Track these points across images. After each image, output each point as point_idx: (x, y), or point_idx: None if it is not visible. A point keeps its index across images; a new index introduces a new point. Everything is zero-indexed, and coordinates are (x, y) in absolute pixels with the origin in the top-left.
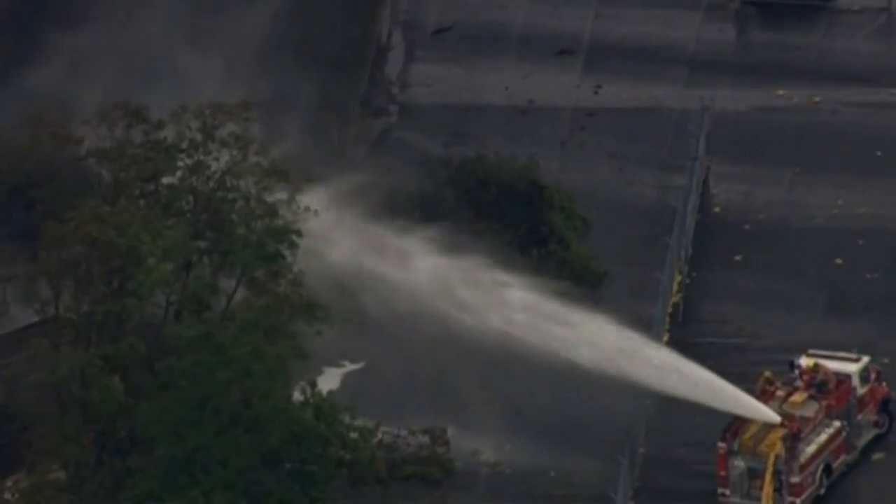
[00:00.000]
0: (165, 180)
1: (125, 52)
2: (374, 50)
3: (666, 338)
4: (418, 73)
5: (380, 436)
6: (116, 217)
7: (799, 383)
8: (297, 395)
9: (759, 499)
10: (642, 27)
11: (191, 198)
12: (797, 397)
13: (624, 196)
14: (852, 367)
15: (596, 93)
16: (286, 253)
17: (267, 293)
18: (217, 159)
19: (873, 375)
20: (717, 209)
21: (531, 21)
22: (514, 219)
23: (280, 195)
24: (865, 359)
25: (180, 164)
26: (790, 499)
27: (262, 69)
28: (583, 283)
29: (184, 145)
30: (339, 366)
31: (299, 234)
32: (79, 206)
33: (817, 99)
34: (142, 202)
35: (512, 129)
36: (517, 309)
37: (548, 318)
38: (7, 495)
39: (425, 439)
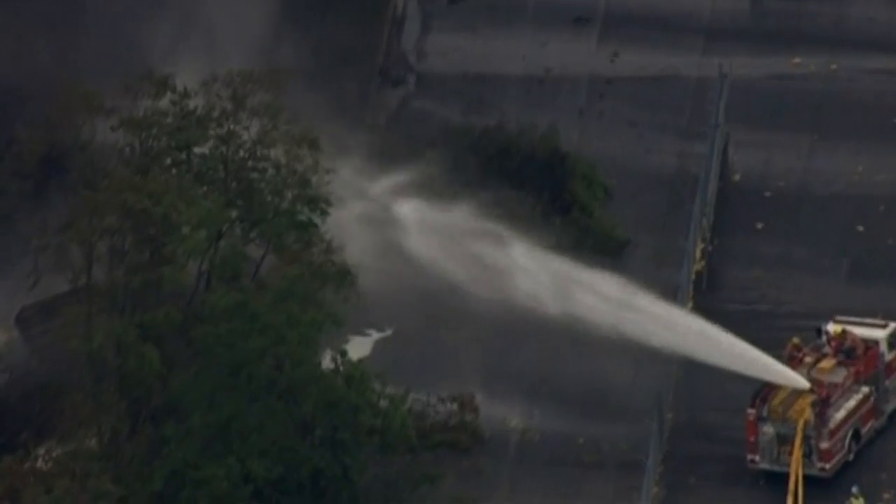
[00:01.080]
0: (197, 150)
1: (145, 18)
2: (390, 20)
3: (690, 304)
4: (435, 42)
5: (409, 403)
6: (151, 185)
7: (827, 349)
8: (327, 363)
9: (788, 464)
10: None
11: (222, 167)
12: (826, 363)
13: (644, 164)
14: (880, 334)
15: (613, 61)
16: (317, 221)
17: (299, 261)
18: (247, 128)
19: None
20: (736, 177)
21: None
22: (537, 187)
23: (310, 163)
24: (893, 324)
25: (211, 133)
26: (819, 464)
27: (278, 40)
28: (606, 250)
29: (215, 114)
30: (365, 334)
31: (329, 202)
32: (112, 175)
33: (834, 66)
34: (174, 171)
35: (530, 98)
36: (544, 276)
37: (575, 285)
38: (40, 463)
39: (454, 407)
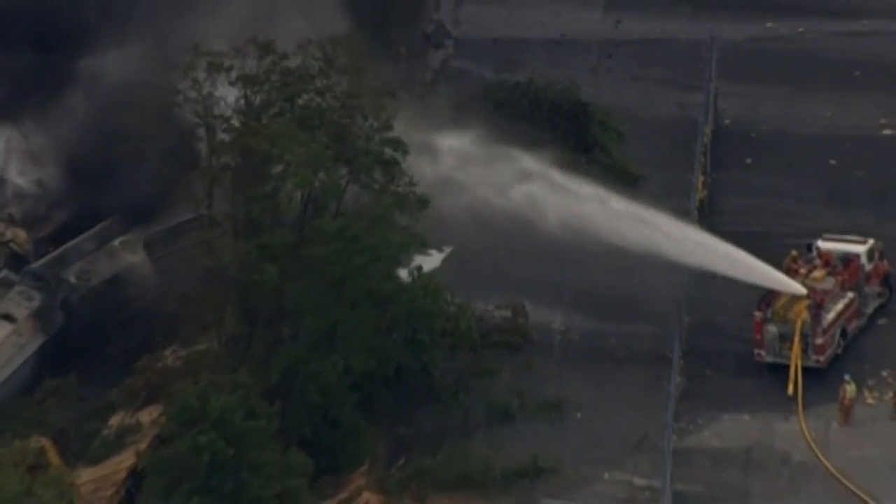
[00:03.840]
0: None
1: None
2: None
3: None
4: (468, 13)
5: (472, 310)
6: (267, 130)
7: (817, 262)
8: (405, 276)
9: (788, 357)
10: None
11: (318, 116)
12: (817, 273)
13: (649, 112)
14: (860, 248)
15: (616, 27)
16: (399, 159)
17: (386, 192)
18: (338, 83)
19: (877, 254)
20: (727, 121)
21: None
22: (563, 131)
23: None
24: (871, 241)
25: (309, 87)
26: (815, 357)
27: (339, 13)
28: (623, 183)
29: (312, 72)
30: (427, 254)
31: (405, 146)
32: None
33: (801, 29)
34: (280, 119)
35: (549, 58)
36: (578, 203)
37: (604, 209)
38: (170, 362)
39: (508, 313)
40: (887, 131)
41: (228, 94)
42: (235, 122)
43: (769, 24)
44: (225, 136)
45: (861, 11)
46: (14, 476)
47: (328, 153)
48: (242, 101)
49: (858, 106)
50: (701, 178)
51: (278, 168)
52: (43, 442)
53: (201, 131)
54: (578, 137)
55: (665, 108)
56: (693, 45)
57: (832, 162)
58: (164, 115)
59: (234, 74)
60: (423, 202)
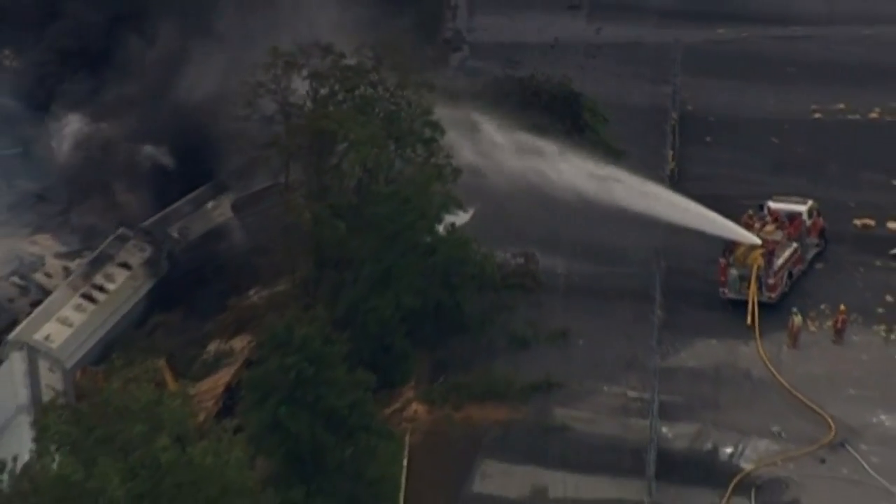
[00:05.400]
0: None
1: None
2: (447, 8)
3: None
4: (479, 22)
5: (494, 258)
6: (336, 115)
7: (769, 219)
8: (442, 231)
9: (747, 295)
10: None
11: (372, 104)
12: (769, 228)
13: (628, 101)
14: (802, 208)
15: (598, 33)
16: (437, 137)
17: (427, 164)
18: (388, 78)
19: (815, 213)
20: (690, 108)
21: None
22: (560, 116)
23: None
24: (810, 202)
25: (365, 81)
26: (768, 294)
27: (379, 25)
28: (609, 157)
29: (367, 68)
30: (456, 213)
31: (442, 128)
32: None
33: (745, 34)
34: (343, 107)
35: (545, 58)
36: (576, 172)
37: (597, 177)
38: (254, 301)
39: (521, 260)
40: (817, 115)
41: (300, 87)
42: (307, 109)
43: (721, 30)
44: (299, 120)
45: (792, 20)
46: (146, 389)
47: (381, 133)
48: (312, 93)
49: (793, 95)
50: (671, 153)
51: (343, 145)
52: (160, 364)
53: (279, 116)
54: (572, 121)
55: (640, 97)
56: (660, 47)
57: (774, 140)
58: (249, 103)
59: (305, 71)
60: (457, 172)
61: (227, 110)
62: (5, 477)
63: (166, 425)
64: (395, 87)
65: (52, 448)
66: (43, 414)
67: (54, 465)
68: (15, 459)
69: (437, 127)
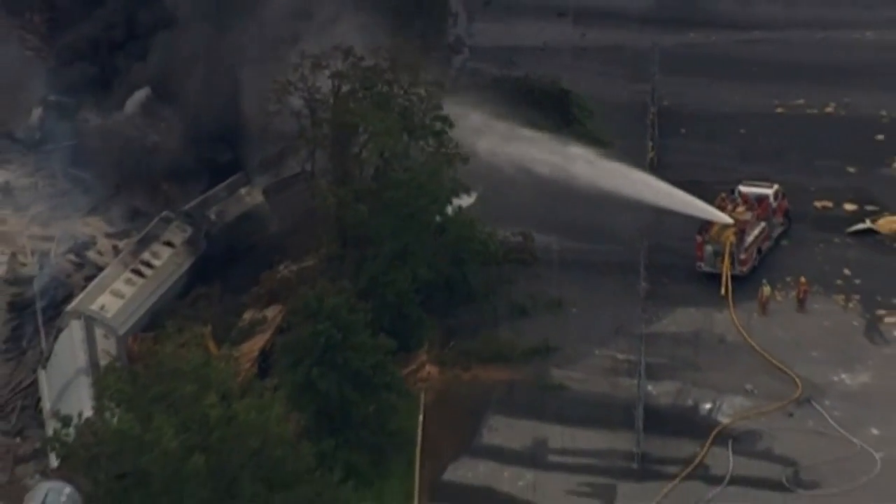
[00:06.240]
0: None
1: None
2: (449, 16)
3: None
4: (477, 28)
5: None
6: (357, 110)
7: (739, 201)
8: (451, 212)
9: (721, 268)
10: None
11: (389, 100)
12: (740, 209)
13: (611, 97)
14: (769, 191)
15: (583, 37)
16: (447, 129)
17: (438, 153)
18: (401, 77)
19: (780, 196)
20: (666, 103)
21: None
22: (551, 111)
23: (440, 96)
24: (776, 186)
25: (381, 79)
26: (740, 268)
27: (388, 31)
28: (596, 147)
29: (383, 69)
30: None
31: (451, 121)
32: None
33: (714, 38)
34: (363, 103)
35: (537, 60)
36: (567, 159)
37: (584, 162)
38: (285, 274)
39: (520, 238)
40: (779, 110)
41: (324, 85)
42: (330, 105)
43: (692, 35)
44: (324, 115)
45: (755, 25)
46: (196, 352)
47: (397, 126)
48: (334, 90)
49: (758, 92)
50: (650, 144)
51: (363, 137)
52: (206, 331)
53: (305, 111)
54: (562, 115)
55: (622, 94)
56: (640, 50)
57: (742, 131)
58: (279, 99)
59: (328, 71)
60: (464, 160)
61: (260, 105)
62: (71, 430)
63: (214, 385)
64: (409, 86)
65: (112, 405)
66: (102, 375)
67: (114, 420)
68: (80, 415)
69: (446, 121)
